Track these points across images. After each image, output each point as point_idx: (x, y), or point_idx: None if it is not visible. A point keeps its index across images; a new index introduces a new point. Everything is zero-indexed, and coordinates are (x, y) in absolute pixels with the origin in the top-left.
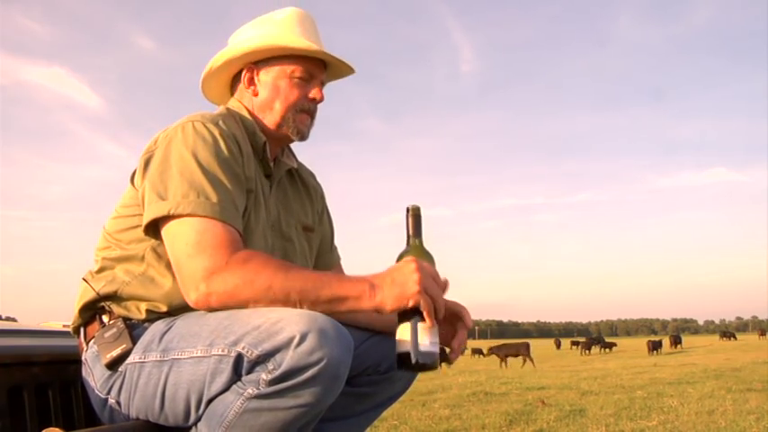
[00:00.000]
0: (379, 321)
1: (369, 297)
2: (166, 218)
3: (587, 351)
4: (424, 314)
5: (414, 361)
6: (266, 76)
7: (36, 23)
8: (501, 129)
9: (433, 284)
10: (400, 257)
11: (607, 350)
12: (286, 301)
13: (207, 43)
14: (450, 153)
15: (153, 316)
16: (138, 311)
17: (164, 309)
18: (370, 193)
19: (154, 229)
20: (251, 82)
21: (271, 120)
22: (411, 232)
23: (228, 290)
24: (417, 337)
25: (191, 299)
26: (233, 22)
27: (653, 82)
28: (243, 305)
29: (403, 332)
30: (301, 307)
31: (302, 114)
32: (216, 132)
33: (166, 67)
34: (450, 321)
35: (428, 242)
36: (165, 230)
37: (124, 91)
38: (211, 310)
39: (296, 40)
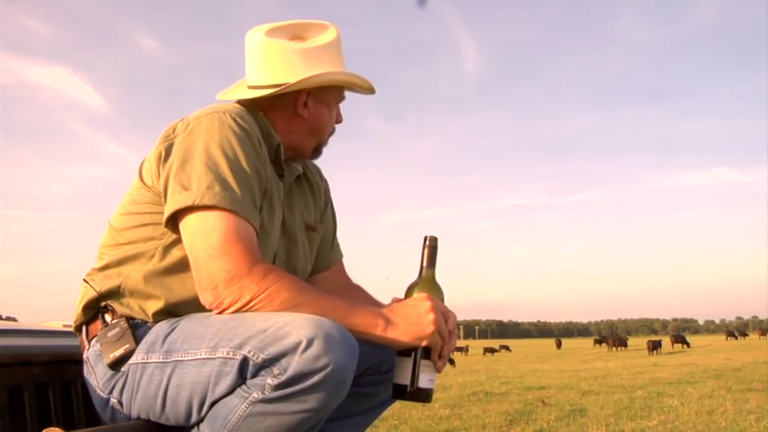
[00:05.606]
0: None
1: (381, 331)
2: (188, 209)
3: (614, 348)
4: (432, 355)
5: (409, 393)
6: (314, 102)
7: (39, 23)
8: (502, 128)
9: (444, 325)
10: (411, 289)
11: (622, 348)
12: None
13: (209, 43)
14: (452, 153)
15: (158, 317)
16: (141, 311)
17: (169, 309)
18: (371, 192)
19: (174, 221)
20: (305, 106)
21: (307, 143)
22: (425, 263)
23: (245, 299)
24: (418, 372)
25: (206, 300)
26: (235, 21)
27: (653, 82)
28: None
29: (404, 365)
30: None
31: (329, 137)
32: (243, 127)
33: (169, 67)
34: None
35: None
36: (186, 222)
37: (126, 91)
38: (222, 312)
39: (358, 78)
